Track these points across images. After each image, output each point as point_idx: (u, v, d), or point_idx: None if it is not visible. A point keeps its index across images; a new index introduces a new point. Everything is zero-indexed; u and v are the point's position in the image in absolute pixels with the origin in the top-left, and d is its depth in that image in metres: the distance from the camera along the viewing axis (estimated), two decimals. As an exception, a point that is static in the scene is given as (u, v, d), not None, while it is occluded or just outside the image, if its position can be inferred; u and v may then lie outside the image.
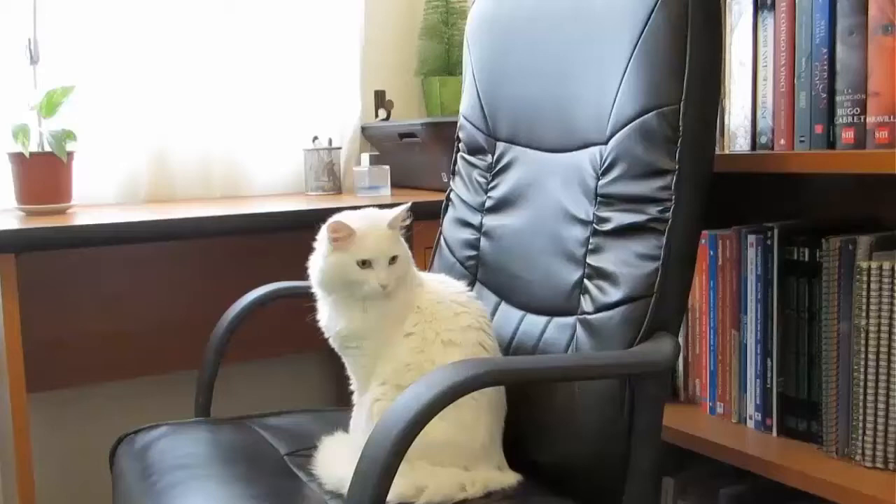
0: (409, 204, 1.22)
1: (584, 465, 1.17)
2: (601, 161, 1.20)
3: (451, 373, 0.95)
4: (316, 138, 2.10)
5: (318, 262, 1.21)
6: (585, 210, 1.22)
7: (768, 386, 1.41)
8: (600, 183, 1.20)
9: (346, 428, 1.28)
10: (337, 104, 2.21)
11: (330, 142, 2.11)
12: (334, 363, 2.14)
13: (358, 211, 1.24)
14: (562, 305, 1.24)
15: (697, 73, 1.12)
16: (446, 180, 1.56)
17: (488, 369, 1.00)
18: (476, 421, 1.15)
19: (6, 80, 1.80)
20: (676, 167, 1.12)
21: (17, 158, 1.69)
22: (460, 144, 1.53)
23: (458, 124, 1.53)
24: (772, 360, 1.40)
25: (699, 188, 1.14)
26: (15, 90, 1.78)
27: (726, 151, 1.49)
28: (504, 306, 1.37)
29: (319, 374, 2.25)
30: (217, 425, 1.39)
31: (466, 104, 1.51)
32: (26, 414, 1.51)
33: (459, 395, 0.94)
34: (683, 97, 1.12)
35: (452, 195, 1.53)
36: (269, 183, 2.14)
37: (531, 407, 1.23)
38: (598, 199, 1.20)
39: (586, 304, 1.20)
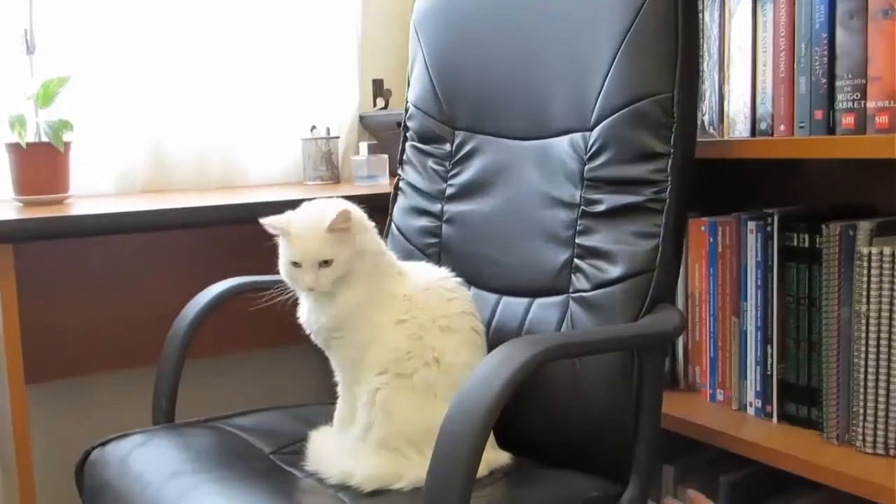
0: (346, 208, 1.19)
1: (590, 439, 1.21)
2: (587, 146, 1.25)
3: (517, 351, 0.98)
4: (314, 128, 2.10)
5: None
6: (570, 193, 1.26)
7: (768, 373, 1.41)
8: (587, 167, 1.24)
9: (325, 422, 1.28)
10: (335, 93, 2.20)
11: (328, 131, 2.10)
12: (285, 361, 2.12)
13: (315, 204, 1.23)
14: (547, 286, 1.27)
15: (686, 62, 1.19)
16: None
17: (554, 344, 1.05)
18: None
19: (2, 70, 1.79)
20: (671, 151, 1.19)
21: (14, 149, 1.68)
22: (409, 133, 1.54)
23: (407, 113, 1.54)
24: (772, 347, 1.40)
25: (688, 170, 1.21)
26: (11, 80, 1.77)
27: (725, 137, 1.48)
28: (476, 291, 1.38)
29: (267, 373, 2.20)
30: (190, 429, 1.35)
31: (417, 93, 1.52)
32: (25, 405, 1.50)
33: (530, 372, 0.97)
34: (676, 85, 1.18)
35: (402, 184, 1.54)
36: (267, 172, 2.13)
37: (525, 387, 1.23)
38: (585, 182, 1.25)
39: (580, 282, 1.24)
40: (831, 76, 1.31)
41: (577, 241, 1.25)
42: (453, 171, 1.44)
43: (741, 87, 1.45)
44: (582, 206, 1.24)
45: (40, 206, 1.66)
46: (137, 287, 1.93)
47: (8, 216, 1.50)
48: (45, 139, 1.68)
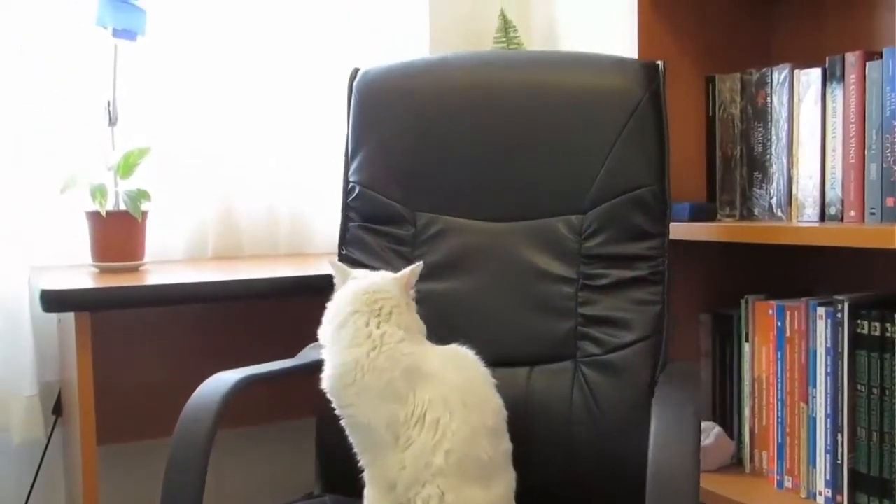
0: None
1: (613, 493, 1.29)
2: (582, 227, 1.39)
3: (684, 421, 1.10)
4: (379, 196, 2.13)
5: None
6: (567, 269, 1.39)
7: (839, 461, 1.38)
8: (584, 245, 1.38)
9: None
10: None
11: (392, 199, 2.14)
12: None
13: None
14: (548, 353, 1.37)
15: (667, 157, 1.37)
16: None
17: (697, 404, 1.17)
18: (513, 477, 1.23)
19: (85, 141, 1.87)
20: (664, 231, 1.36)
21: (94, 217, 1.74)
22: (352, 213, 1.53)
23: (354, 193, 1.52)
24: (842, 436, 1.37)
25: (670, 246, 1.38)
26: (92, 149, 1.84)
27: (794, 220, 1.48)
28: None
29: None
30: None
31: (369, 173, 1.50)
32: (95, 465, 1.54)
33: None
34: (666, 177, 1.37)
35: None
36: (333, 240, 2.16)
37: (550, 444, 1.33)
38: (583, 259, 1.38)
39: (590, 347, 1.35)
40: (903, 164, 1.30)
41: (579, 311, 1.37)
42: (419, 252, 1.45)
43: (810, 170, 1.45)
44: (582, 280, 1.37)
45: (116, 273, 1.72)
46: (208, 352, 1.96)
47: (86, 283, 1.55)
48: (123, 208, 1.74)
